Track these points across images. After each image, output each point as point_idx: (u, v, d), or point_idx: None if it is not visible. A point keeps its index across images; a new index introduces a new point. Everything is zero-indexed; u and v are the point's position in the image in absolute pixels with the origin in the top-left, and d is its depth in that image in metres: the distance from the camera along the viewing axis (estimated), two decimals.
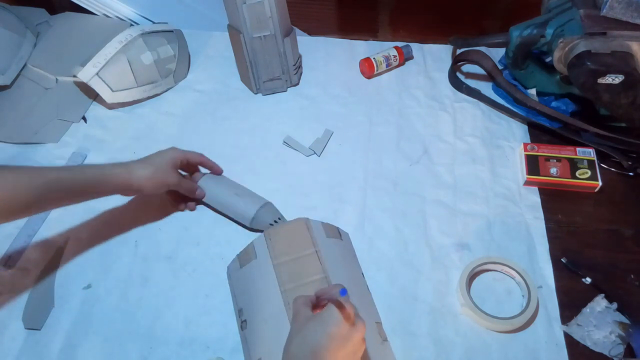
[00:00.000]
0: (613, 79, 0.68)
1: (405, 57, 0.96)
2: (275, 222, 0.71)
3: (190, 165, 0.75)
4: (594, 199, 0.76)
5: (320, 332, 0.47)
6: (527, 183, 0.77)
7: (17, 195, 0.57)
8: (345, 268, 0.64)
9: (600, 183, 0.74)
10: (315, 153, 0.83)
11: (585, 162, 0.76)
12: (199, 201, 0.76)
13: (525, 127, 0.86)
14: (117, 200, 0.78)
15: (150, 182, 0.66)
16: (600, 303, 0.63)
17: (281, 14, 0.83)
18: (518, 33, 0.79)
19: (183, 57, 0.97)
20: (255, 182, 0.79)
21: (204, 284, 0.69)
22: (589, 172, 0.75)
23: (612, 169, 0.78)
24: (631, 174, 0.78)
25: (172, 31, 0.96)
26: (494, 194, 0.77)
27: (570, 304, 0.65)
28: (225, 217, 0.75)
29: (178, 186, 0.70)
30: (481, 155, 0.82)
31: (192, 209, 0.76)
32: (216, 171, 0.77)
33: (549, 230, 0.73)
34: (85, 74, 0.84)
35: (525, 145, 0.79)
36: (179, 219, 0.76)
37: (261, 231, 0.71)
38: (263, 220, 0.71)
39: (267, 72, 0.89)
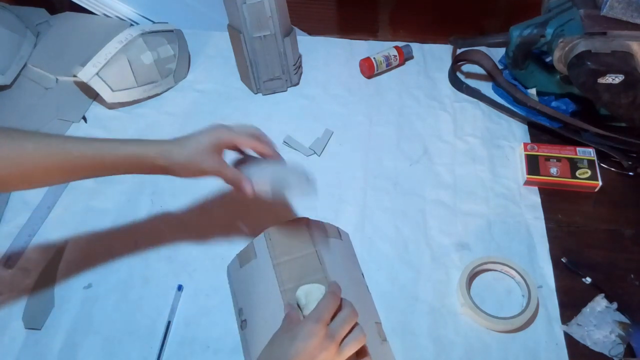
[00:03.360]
0: (613, 79, 0.68)
1: (405, 57, 0.96)
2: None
3: (241, 151, 0.63)
4: (594, 199, 0.76)
5: (287, 347, 0.47)
6: (527, 183, 0.77)
7: (37, 169, 0.53)
8: (345, 268, 0.64)
9: (600, 183, 0.74)
10: (315, 153, 0.83)
11: (585, 162, 0.76)
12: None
13: (525, 127, 0.86)
14: (117, 200, 0.78)
15: (185, 169, 0.58)
16: (600, 303, 0.63)
17: (281, 13, 0.83)
18: (518, 33, 0.79)
19: (183, 57, 0.97)
20: None
21: (204, 284, 0.69)
22: (589, 172, 0.75)
23: (612, 169, 0.78)
24: (631, 173, 0.78)
25: (172, 31, 0.96)
26: (494, 193, 0.77)
27: (570, 304, 0.65)
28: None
29: (218, 174, 0.59)
30: (481, 155, 0.82)
31: (250, 195, 0.60)
32: (272, 157, 0.62)
33: (549, 230, 0.73)
34: (86, 74, 0.84)
35: (525, 145, 0.79)
36: (180, 218, 0.76)
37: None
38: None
39: (267, 72, 0.89)
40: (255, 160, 0.63)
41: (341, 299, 0.53)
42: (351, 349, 0.50)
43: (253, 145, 0.60)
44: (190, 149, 0.57)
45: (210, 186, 0.78)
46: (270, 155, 0.62)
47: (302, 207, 0.75)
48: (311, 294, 0.55)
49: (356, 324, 0.52)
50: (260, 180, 0.60)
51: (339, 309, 0.52)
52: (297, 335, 0.47)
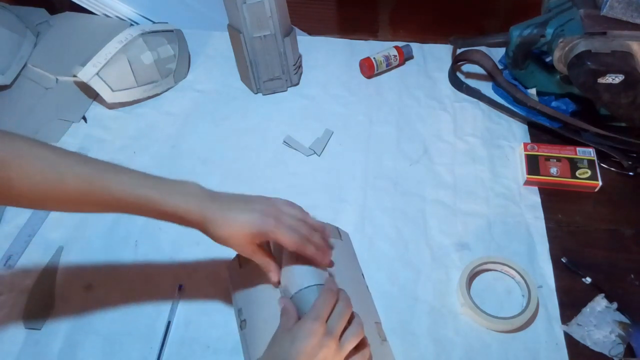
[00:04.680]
0: (613, 79, 0.68)
1: (405, 57, 0.96)
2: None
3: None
4: (594, 199, 0.76)
5: (288, 348, 0.47)
6: (527, 183, 0.77)
7: (70, 198, 0.49)
8: (345, 268, 0.64)
9: (600, 183, 0.74)
10: (315, 153, 0.83)
11: (585, 162, 0.76)
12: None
13: (525, 126, 0.86)
14: None
15: (217, 240, 0.53)
16: (600, 303, 0.63)
17: (281, 13, 0.83)
18: (518, 33, 0.79)
19: (183, 57, 0.97)
20: (255, 182, 0.79)
21: (204, 284, 0.69)
22: (589, 172, 0.75)
23: (612, 169, 0.78)
24: (631, 173, 0.78)
25: (172, 31, 0.96)
26: (494, 193, 0.77)
27: (570, 304, 0.65)
28: None
29: (251, 257, 0.55)
30: (481, 155, 0.82)
31: (273, 284, 0.57)
32: (316, 263, 0.56)
33: (549, 230, 0.73)
34: (86, 74, 0.84)
35: (525, 145, 0.79)
36: None
37: None
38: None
39: (267, 72, 0.89)
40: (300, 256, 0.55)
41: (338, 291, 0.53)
42: (351, 342, 0.50)
43: (303, 250, 0.53)
44: (230, 230, 0.51)
45: (209, 186, 0.78)
46: (321, 263, 0.55)
47: (302, 207, 0.75)
48: (305, 297, 0.54)
49: (353, 316, 0.52)
50: (290, 282, 0.55)
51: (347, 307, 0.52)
52: (297, 336, 0.48)
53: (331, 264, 0.58)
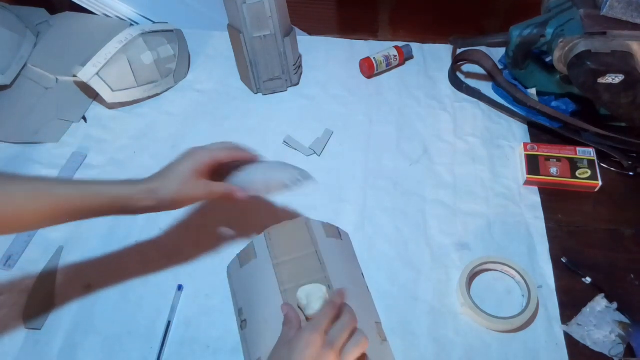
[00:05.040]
0: (613, 79, 0.68)
1: (405, 57, 0.96)
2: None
3: (223, 165, 0.62)
4: (594, 199, 0.76)
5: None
6: (527, 183, 0.77)
7: (24, 213, 0.53)
8: (345, 268, 0.64)
9: (600, 183, 0.74)
10: (315, 153, 0.83)
11: (585, 162, 0.76)
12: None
13: (525, 126, 0.86)
14: None
15: (175, 203, 0.58)
16: (600, 303, 0.63)
17: (281, 13, 0.83)
18: (518, 33, 0.79)
19: (183, 57, 0.97)
20: None
21: (204, 284, 0.69)
22: (589, 172, 0.75)
23: (612, 169, 0.78)
24: (631, 173, 0.78)
25: (172, 31, 0.96)
26: (494, 193, 0.77)
27: (570, 304, 0.65)
28: None
29: (211, 196, 0.60)
30: (481, 155, 0.82)
31: (245, 199, 0.61)
32: (254, 160, 0.64)
33: (549, 230, 0.73)
34: (86, 74, 0.84)
35: (525, 145, 0.79)
36: (180, 219, 0.75)
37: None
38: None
39: (267, 71, 0.89)
40: (238, 170, 0.63)
41: (344, 305, 0.53)
42: (353, 354, 0.49)
43: (232, 155, 0.61)
44: (176, 182, 0.57)
45: None
46: (251, 159, 0.63)
47: (302, 207, 0.76)
48: (312, 295, 0.55)
49: (356, 329, 0.51)
50: (250, 183, 0.62)
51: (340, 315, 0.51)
52: (295, 347, 0.47)
53: (255, 157, 0.63)
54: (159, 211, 0.58)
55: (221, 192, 0.60)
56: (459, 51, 0.95)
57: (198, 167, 0.58)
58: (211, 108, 0.91)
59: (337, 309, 0.51)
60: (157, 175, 0.58)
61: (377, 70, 0.94)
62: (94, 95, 0.92)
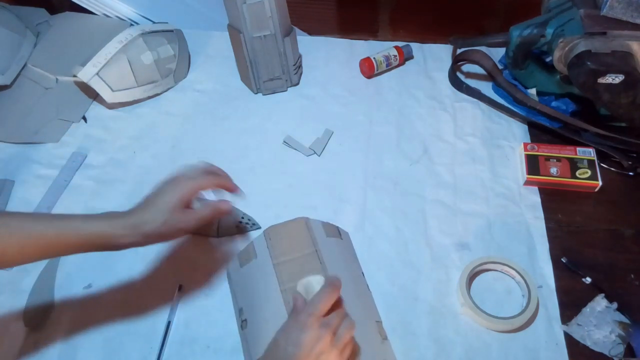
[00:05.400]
0: (613, 79, 0.68)
1: (405, 57, 0.96)
2: (240, 222, 0.72)
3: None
4: (594, 199, 0.76)
5: (284, 345, 0.48)
6: (527, 183, 0.77)
7: (7, 251, 0.50)
8: (345, 267, 0.64)
9: (600, 183, 0.74)
10: (315, 153, 0.83)
11: (585, 162, 0.76)
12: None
13: (525, 126, 0.86)
14: (117, 200, 0.78)
15: (162, 237, 0.54)
16: (600, 303, 0.63)
17: (281, 13, 0.83)
18: (518, 33, 0.79)
19: (183, 57, 0.97)
20: (255, 182, 0.79)
21: (204, 284, 0.69)
22: (589, 172, 0.75)
23: (612, 169, 0.78)
24: (631, 173, 0.78)
25: (172, 31, 0.96)
26: (494, 193, 0.77)
27: (570, 304, 0.65)
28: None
29: (200, 224, 0.56)
30: (481, 155, 0.82)
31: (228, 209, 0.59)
32: (234, 191, 0.62)
33: (549, 230, 0.73)
34: (86, 74, 0.84)
35: (525, 145, 0.79)
36: None
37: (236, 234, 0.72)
38: (228, 227, 0.71)
39: (267, 71, 0.89)
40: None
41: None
42: (346, 336, 0.50)
43: (216, 184, 0.59)
44: (161, 214, 0.53)
45: None
46: (232, 190, 0.61)
47: (302, 207, 0.75)
48: (311, 286, 0.56)
49: (346, 314, 0.53)
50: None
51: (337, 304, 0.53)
52: (294, 330, 0.49)
53: (236, 189, 0.62)
54: (145, 245, 0.54)
55: (208, 215, 0.56)
56: (459, 51, 0.95)
57: (183, 197, 0.54)
58: (211, 108, 0.91)
59: (335, 293, 0.52)
60: (141, 207, 0.54)
61: (377, 70, 0.94)
62: (94, 95, 0.92)
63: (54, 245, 0.51)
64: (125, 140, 0.86)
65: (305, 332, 0.48)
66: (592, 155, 0.77)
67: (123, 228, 0.52)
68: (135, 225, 0.52)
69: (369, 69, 0.93)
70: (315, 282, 0.56)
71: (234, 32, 0.85)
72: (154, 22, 0.99)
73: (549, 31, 0.76)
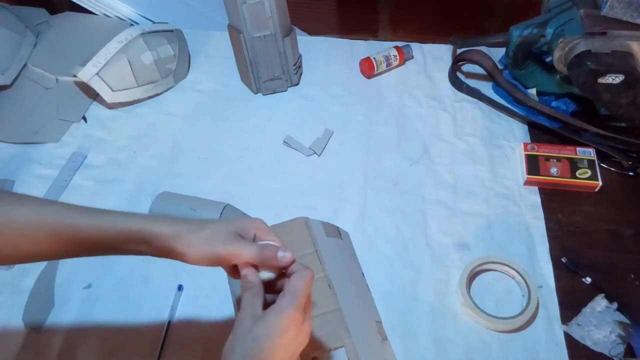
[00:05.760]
0: (613, 79, 0.68)
1: (405, 57, 0.96)
2: None
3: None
4: (594, 199, 0.76)
5: (264, 343, 0.41)
6: (527, 183, 0.77)
7: (22, 239, 0.45)
8: (345, 267, 0.64)
9: (600, 183, 0.74)
10: (315, 153, 0.83)
11: (585, 162, 0.76)
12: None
13: (525, 126, 0.86)
14: (117, 200, 0.78)
15: (199, 255, 0.46)
16: (600, 303, 0.63)
17: (281, 13, 0.83)
18: (518, 33, 0.79)
19: (183, 57, 0.97)
20: (255, 182, 0.79)
21: (204, 284, 0.69)
22: (589, 172, 0.75)
23: (612, 169, 0.78)
24: (631, 173, 0.78)
25: (172, 31, 0.96)
26: (494, 193, 0.77)
27: (570, 304, 0.65)
28: None
29: (239, 256, 0.46)
30: (481, 155, 0.82)
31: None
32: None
33: (549, 230, 0.73)
34: (86, 74, 0.84)
35: (526, 145, 0.79)
36: None
37: None
38: None
39: (267, 71, 0.89)
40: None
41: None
42: (309, 314, 0.45)
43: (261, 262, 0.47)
44: (207, 233, 0.46)
45: (209, 186, 0.79)
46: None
47: (302, 207, 0.75)
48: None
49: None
50: None
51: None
52: (276, 329, 0.41)
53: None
54: (177, 259, 0.47)
55: (259, 255, 0.45)
56: (459, 51, 0.95)
57: (237, 230, 0.47)
58: (211, 108, 0.91)
59: (312, 277, 0.45)
60: (188, 220, 0.48)
61: (377, 70, 0.94)
62: (94, 95, 0.92)
63: (85, 238, 0.46)
64: (125, 140, 0.86)
65: (289, 330, 0.42)
66: (592, 155, 0.77)
67: (167, 230, 0.46)
68: (179, 231, 0.46)
69: (369, 69, 0.93)
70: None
71: (234, 32, 0.85)
72: (154, 22, 0.99)
73: (549, 31, 0.76)
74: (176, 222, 0.47)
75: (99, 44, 0.86)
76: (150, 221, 0.47)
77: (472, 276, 0.67)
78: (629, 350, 0.60)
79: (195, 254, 0.46)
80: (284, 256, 0.46)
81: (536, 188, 0.77)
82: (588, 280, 0.67)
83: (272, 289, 0.46)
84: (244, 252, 0.45)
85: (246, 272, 0.45)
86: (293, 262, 0.46)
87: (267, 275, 0.46)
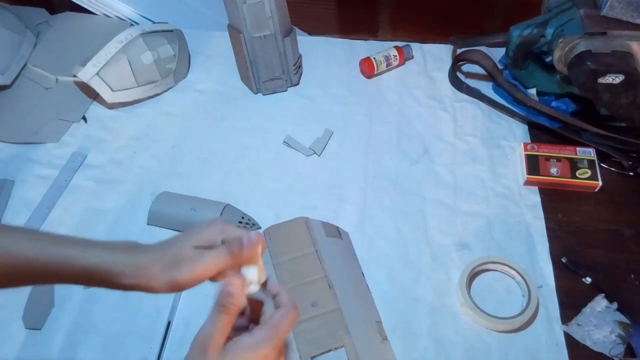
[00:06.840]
0: (613, 79, 0.68)
1: (405, 57, 0.96)
2: (240, 222, 0.71)
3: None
4: (594, 199, 0.76)
5: None
6: (527, 183, 0.77)
7: None
8: (345, 267, 0.64)
9: (600, 183, 0.74)
10: (315, 153, 0.83)
11: (586, 162, 0.76)
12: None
13: (525, 126, 0.86)
14: (117, 200, 0.78)
15: (169, 286, 0.43)
16: (600, 303, 0.63)
17: (281, 13, 0.83)
18: (518, 33, 0.79)
19: (183, 57, 0.97)
20: (255, 182, 0.79)
21: (204, 283, 0.68)
22: (589, 172, 0.75)
23: (612, 169, 0.78)
24: (631, 173, 0.78)
25: (172, 31, 0.96)
26: (494, 193, 0.77)
27: (570, 304, 0.65)
28: None
29: (217, 264, 0.44)
30: (481, 155, 0.82)
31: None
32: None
33: (549, 230, 0.73)
34: (86, 74, 0.84)
35: (526, 145, 0.79)
36: None
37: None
38: None
39: (267, 71, 0.89)
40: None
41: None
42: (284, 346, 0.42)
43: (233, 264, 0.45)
44: (168, 259, 0.43)
45: (209, 186, 0.79)
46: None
47: (302, 207, 0.75)
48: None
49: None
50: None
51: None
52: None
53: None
54: (153, 292, 0.43)
55: (239, 252, 0.43)
56: (459, 51, 0.95)
57: (207, 238, 0.44)
58: (211, 108, 0.91)
59: (297, 313, 0.41)
60: (157, 244, 0.44)
61: (377, 70, 0.94)
62: (94, 95, 0.92)
63: (42, 272, 0.42)
64: (125, 140, 0.86)
65: None
66: (592, 155, 0.77)
67: (122, 265, 0.41)
68: (139, 266, 0.42)
69: (369, 69, 0.93)
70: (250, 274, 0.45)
71: (234, 32, 0.85)
72: (154, 22, 0.99)
73: (549, 31, 0.76)
74: (136, 253, 0.42)
75: (99, 44, 0.86)
76: (109, 256, 0.42)
77: (472, 276, 0.67)
78: (629, 350, 0.60)
79: (162, 287, 0.43)
80: (250, 241, 0.41)
81: (536, 188, 0.77)
82: (588, 280, 0.67)
83: (254, 308, 0.43)
84: (209, 264, 0.43)
85: (230, 288, 0.41)
86: (260, 242, 0.42)
87: (251, 288, 0.43)
